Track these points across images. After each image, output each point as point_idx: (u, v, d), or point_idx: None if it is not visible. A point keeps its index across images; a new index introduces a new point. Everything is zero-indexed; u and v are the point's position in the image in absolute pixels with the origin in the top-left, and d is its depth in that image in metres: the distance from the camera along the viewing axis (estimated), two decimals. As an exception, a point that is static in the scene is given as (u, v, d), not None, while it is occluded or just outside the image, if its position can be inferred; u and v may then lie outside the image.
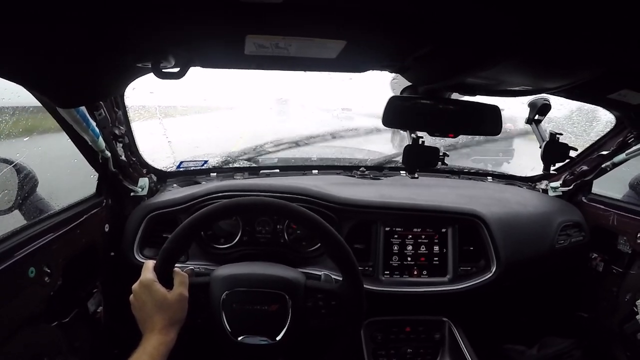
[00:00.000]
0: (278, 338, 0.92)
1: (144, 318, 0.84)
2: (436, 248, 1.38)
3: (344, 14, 0.66)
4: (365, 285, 0.96)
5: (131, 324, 0.87)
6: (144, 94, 1.47)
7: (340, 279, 0.97)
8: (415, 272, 1.36)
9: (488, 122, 1.06)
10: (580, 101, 1.33)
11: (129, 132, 1.32)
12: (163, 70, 0.86)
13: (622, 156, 1.47)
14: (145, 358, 0.78)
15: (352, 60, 0.96)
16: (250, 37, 0.76)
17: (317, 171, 1.76)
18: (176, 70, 0.88)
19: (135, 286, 0.87)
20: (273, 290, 0.93)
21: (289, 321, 0.92)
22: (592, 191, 1.65)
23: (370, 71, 1.07)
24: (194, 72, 0.95)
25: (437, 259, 1.37)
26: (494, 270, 1.35)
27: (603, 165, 1.55)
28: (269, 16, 0.66)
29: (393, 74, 1.09)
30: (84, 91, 0.91)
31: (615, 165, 1.52)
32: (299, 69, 1.04)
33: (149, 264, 0.89)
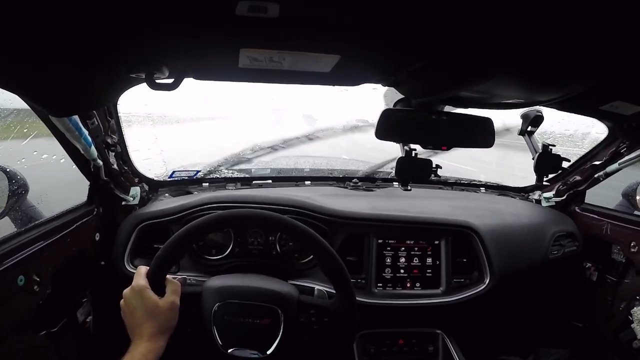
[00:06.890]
0: (269, 352, 0.90)
1: (133, 324, 0.83)
2: (429, 260, 1.37)
3: (338, 29, 0.67)
4: (357, 298, 0.95)
5: (120, 334, 0.86)
6: (137, 102, 1.45)
7: (333, 291, 0.96)
8: (408, 284, 1.35)
9: (481, 135, 1.06)
10: (573, 113, 1.34)
11: (122, 140, 1.31)
12: (156, 81, 0.85)
13: (614, 166, 1.49)
14: None
15: (345, 74, 0.96)
16: (244, 50, 0.76)
17: (309, 182, 1.75)
18: (170, 81, 0.87)
19: (126, 291, 0.86)
20: (266, 304, 0.92)
21: (280, 335, 0.91)
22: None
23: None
24: (189, 81, 0.95)
25: (430, 270, 1.37)
26: (487, 282, 1.35)
27: (596, 175, 1.57)
28: (264, 30, 0.66)
29: (386, 87, 1.09)
30: (77, 100, 0.90)
31: (608, 175, 1.54)
32: (292, 82, 1.04)
33: (142, 270, 0.88)
